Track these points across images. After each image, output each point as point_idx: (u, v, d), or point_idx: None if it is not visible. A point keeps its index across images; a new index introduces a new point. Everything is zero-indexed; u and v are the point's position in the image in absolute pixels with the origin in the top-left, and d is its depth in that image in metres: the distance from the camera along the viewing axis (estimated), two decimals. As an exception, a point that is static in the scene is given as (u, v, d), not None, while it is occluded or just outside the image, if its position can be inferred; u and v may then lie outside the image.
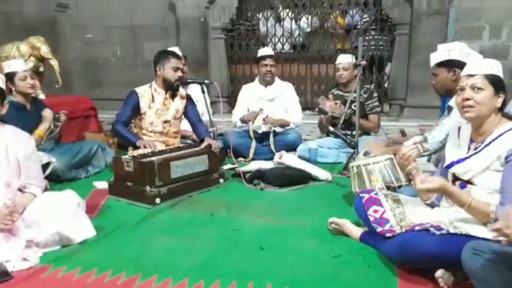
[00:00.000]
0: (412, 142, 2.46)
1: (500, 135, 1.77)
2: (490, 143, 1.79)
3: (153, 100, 3.40)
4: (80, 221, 2.22)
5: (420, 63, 5.01)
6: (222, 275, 1.88)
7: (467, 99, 1.80)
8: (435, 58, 2.66)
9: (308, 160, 3.65)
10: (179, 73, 3.39)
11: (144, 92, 3.41)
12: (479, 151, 1.82)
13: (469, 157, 1.85)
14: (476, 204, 1.72)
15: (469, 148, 1.90)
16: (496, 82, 1.79)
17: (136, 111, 3.40)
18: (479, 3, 5.04)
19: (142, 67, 5.95)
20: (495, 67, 1.82)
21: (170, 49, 4.18)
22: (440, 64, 2.60)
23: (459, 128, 2.01)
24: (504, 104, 1.83)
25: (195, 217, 2.62)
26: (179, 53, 4.14)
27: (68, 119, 3.55)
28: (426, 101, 4.89)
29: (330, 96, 3.83)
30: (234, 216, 2.63)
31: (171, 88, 3.42)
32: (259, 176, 3.27)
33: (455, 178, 1.90)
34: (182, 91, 3.56)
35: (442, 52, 2.61)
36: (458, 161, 1.87)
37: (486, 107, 1.79)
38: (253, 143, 4.00)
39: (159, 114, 3.42)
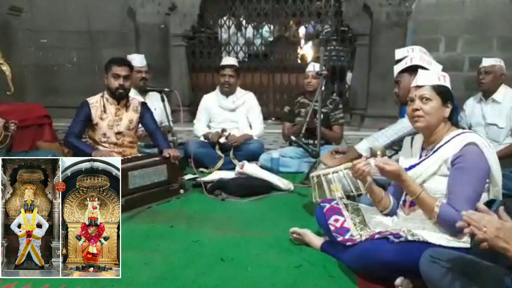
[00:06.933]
0: (364, 158, 2.36)
1: (448, 141, 1.84)
2: (438, 149, 1.85)
3: (104, 111, 3.27)
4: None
5: (380, 73, 5.12)
6: (182, 288, 1.82)
7: (416, 109, 1.87)
8: (399, 67, 2.71)
9: (270, 169, 3.61)
10: (120, 81, 3.20)
11: (96, 102, 3.28)
12: (429, 156, 1.88)
13: (419, 163, 1.91)
14: (425, 196, 1.80)
15: (420, 156, 1.97)
16: (443, 93, 1.86)
17: (88, 122, 3.27)
18: (435, 16, 5.20)
19: (100, 74, 5.72)
20: (442, 78, 1.89)
21: (132, 56, 4.07)
22: (403, 70, 2.66)
23: (412, 139, 2.08)
24: (452, 113, 1.89)
25: (153, 229, 2.55)
26: (143, 61, 4.05)
27: (20, 128, 3.38)
28: (386, 111, 4.97)
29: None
30: (195, 227, 2.57)
31: (117, 97, 3.28)
32: (220, 186, 3.22)
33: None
34: (135, 103, 3.41)
35: (404, 60, 2.66)
36: (410, 168, 1.92)
37: (435, 116, 1.86)
38: (221, 160, 3.91)
39: (111, 125, 3.28)
